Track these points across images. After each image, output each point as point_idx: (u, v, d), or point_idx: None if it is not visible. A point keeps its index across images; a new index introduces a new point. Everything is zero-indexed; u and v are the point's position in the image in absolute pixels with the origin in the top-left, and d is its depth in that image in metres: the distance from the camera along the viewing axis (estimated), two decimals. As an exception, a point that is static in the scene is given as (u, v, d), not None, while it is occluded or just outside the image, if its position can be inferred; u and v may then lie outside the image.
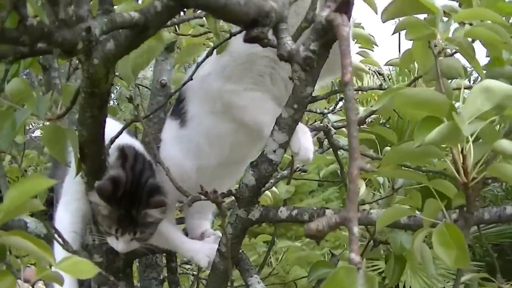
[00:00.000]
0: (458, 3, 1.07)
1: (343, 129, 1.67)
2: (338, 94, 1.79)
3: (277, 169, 1.29)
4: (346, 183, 0.46)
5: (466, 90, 0.95)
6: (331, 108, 1.86)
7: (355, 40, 1.65)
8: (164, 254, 1.72)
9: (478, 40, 1.00)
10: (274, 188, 1.93)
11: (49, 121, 1.07)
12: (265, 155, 1.13)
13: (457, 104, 0.84)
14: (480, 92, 0.72)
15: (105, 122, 1.06)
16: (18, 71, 1.23)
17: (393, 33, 1.04)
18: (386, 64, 1.69)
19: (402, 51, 1.20)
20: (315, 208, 1.19)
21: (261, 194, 1.26)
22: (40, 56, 1.62)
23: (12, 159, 2.05)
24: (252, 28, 0.68)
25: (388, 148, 1.54)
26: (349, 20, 0.65)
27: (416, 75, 1.52)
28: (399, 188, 1.51)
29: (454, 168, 0.75)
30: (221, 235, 1.39)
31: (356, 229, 0.47)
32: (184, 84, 1.35)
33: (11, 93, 1.07)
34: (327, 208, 1.18)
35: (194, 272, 2.26)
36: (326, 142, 1.79)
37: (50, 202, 1.48)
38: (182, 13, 1.42)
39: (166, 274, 1.76)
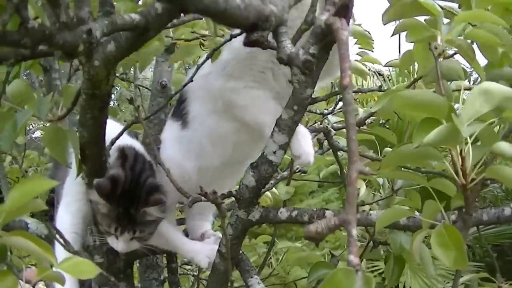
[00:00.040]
0: (458, 4, 1.08)
1: (343, 130, 1.67)
2: (338, 95, 1.79)
3: (277, 170, 1.29)
4: (345, 184, 0.47)
5: (466, 91, 0.96)
6: (330, 109, 1.87)
7: (355, 40, 1.66)
8: (165, 255, 1.72)
9: (475, 44, 1.00)
10: (274, 189, 1.93)
11: (50, 122, 1.08)
12: (265, 156, 1.13)
13: (456, 106, 0.85)
14: (479, 94, 0.72)
15: (105, 123, 1.06)
16: (19, 73, 1.23)
17: (392, 35, 1.04)
18: (386, 65, 1.69)
19: (402, 52, 1.20)
20: (315, 209, 1.20)
21: (261, 195, 1.27)
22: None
23: (13, 160, 2.05)
24: (252, 32, 0.68)
25: (388, 149, 1.54)
26: (348, 24, 0.65)
27: (416, 76, 1.52)
28: (398, 189, 1.52)
29: (453, 170, 0.76)
30: (221, 236, 1.39)
31: (355, 232, 0.47)
32: (185, 85, 1.35)
33: (12, 94, 1.07)
34: (327, 209, 1.18)
35: (195, 273, 2.27)
36: (326, 143, 1.80)
37: (51, 203, 1.48)
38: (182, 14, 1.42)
39: (167, 275, 1.77)
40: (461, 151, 0.74)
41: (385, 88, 1.73)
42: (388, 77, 5.29)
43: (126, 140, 1.35)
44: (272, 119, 1.12)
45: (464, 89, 0.93)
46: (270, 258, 2.26)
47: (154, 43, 1.36)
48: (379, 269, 3.89)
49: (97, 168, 1.17)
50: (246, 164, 1.25)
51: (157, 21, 0.81)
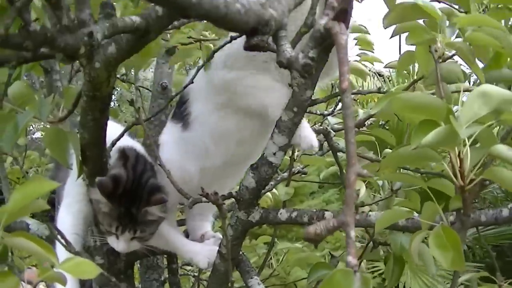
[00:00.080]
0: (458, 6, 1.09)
1: (343, 131, 1.66)
2: (338, 96, 1.79)
3: (277, 171, 1.29)
4: (345, 186, 0.48)
5: (466, 92, 0.96)
6: (330, 110, 1.87)
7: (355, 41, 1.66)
8: (165, 256, 1.73)
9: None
10: (274, 190, 1.93)
11: (51, 124, 1.08)
12: (265, 157, 1.14)
13: (455, 108, 0.85)
14: (478, 96, 0.73)
15: (106, 125, 1.07)
16: (20, 74, 1.24)
17: (392, 36, 1.05)
18: (385, 67, 1.70)
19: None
20: (315, 210, 1.20)
21: (261, 197, 1.27)
22: (42, 59, 1.63)
23: (14, 161, 2.05)
24: (252, 36, 0.69)
25: (388, 150, 1.55)
26: (347, 28, 0.66)
27: (415, 77, 1.52)
28: (398, 190, 1.52)
29: (451, 172, 0.76)
30: (221, 237, 1.40)
31: (353, 233, 0.48)
32: (185, 87, 1.36)
33: (13, 96, 1.08)
34: (326, 210, 1.19)
35: (195, 274, 2.27)
36: (325, 144, 1.80)
37: (52, 204, 1.49)
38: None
39: (167, 276, 1.77)
40: (459, 153, 0.75)
41: (385, 90, 1.74)
42: (388, 78, 5.29)
43: (127, 141, 1.36)
44: (277, 100, 1.11)
45: (465, 91, 0.94)
46: (271, 258, 2.27)
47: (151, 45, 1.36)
48: (380, 270, 3.89)
49: (98, 169, 1.18)
50: (247, 164, 1.25)
51: (157, 23, 0.82)
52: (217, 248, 1.29)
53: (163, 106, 1.68)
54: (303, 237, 0.52)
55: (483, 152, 0.75)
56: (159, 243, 1.45)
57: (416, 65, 1.90)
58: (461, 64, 1.09)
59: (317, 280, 1.24)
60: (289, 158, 1.70)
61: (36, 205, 0.70)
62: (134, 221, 1.28)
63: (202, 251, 1.42)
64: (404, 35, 1.01)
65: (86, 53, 0.78)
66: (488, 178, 0.76)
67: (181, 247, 1.48)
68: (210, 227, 1.63)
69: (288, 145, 1.12)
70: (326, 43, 0.78)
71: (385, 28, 0.99)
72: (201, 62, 1.35)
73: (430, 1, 1.15)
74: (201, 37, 1.54)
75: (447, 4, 1.12)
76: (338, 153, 1.62)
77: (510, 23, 1.18)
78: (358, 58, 1.77)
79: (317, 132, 1.65)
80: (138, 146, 1.42)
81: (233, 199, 1.23)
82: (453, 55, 1.06)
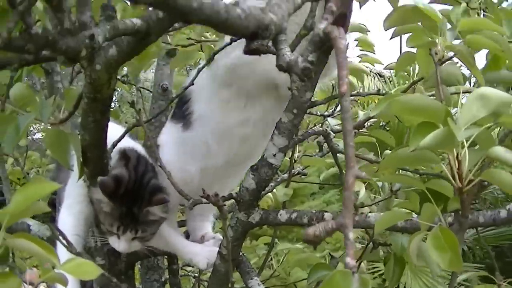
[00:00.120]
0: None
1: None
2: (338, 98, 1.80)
3: (277, 172, 1.30)
4: (345, 187, 0.48)
5: (466, 94, 0.97)
6: (331, 111, 1.88)
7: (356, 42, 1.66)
8: (166, 257, 1.73)
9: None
10: (275, 191, 1.94)
11: (52, 125, 1.09)
12: (265, 159, 1.14)
13: (454, 110, 0.86)
14: (476, 99, 0.74)
15: (107, 126, 1.07)
16: (21, 76, 1.24)
17: (391, 38, 1.06)
18: (385, 68, 1.70)
19: (402, 55, 1.21)
20: (314, 211, 1.20)
21: (261, 198, 1.28)
22: (43, 61, 1.63)
23: (15, 162, 2.06)
24: (252, 40, 0.70)
25: (388, 151, 1.55)
26: (346, 32, 0.66)
27: (415, 78, 1.53)
28: (397, 190, 1.52)
29: (449, 173, 0.77)
30: (221, 238, 1.40)
31: (351, 235, 0.48)
32: (186, 88, 1.36)
33: (14, 97, 1.08)
34: (326, 212, 1.19)
35: (196, 274, 2.27)
36: (325, 145, 1.81)
37: (52, 204, 1.49)
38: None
39: (168, 276, 1.78)
40: (457, 154, 0.75)
41: (385, 91, 1.74)
42: (389, 79, 5.30)
43: (128, 142, 1.36)
44: None
45: (464, 92, 0.95)
46: (271, 259, 2.27)
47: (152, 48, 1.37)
48: (380, 270, 3.89)
49: (99, 170, 1.18)
50: (247, 164, 1.25)
51: (158, 25, 0.82)
52: (217, 249, 1.30)
53: (163, 107, 1.69)
54: (303, 239, 0.52)
55: (481, 154, 0.75)
56: (159, 244, 1.45)
57: (417, 66, 1.91)
58: (460, 66, 1.09)
59: (317, 281, 1.24)
60: (289, 159, 1.71)
61: (37, 207, 0.71)
62: (135, 221, 1.29)
63: (202, 252, 1.43)
64: (404, 37, 1.02)
65: (87, 56, 0.79)
66: (486, 180, 0.76)
67: (181, 248, 1.48)
68: (211, 228, 1.64)
69: (288, 146, 1.13)
70: (325, 47, 0.78)
71: (385, 30, 1.00)
72: (201, 63, 1.35)
73: (429, 2, 1.16)
74: (202, 38, 1.55)
75: (447, 4, 1.13)
76: (338, 155, 1.62)
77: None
78: (358, 59, 1.77)
79: (317, 134, 1.65)
80: (139, 147, 1.43)
81: (233, 200, 1.23)
82: (453, 56, 1.07)
